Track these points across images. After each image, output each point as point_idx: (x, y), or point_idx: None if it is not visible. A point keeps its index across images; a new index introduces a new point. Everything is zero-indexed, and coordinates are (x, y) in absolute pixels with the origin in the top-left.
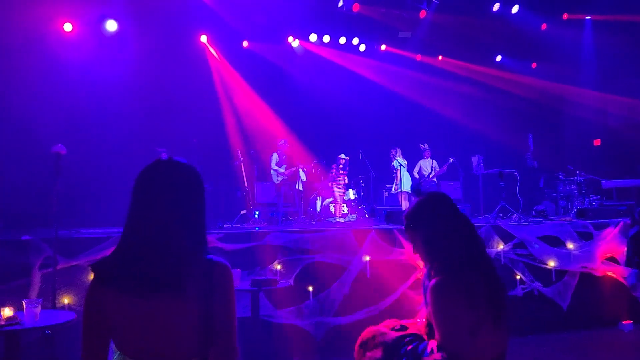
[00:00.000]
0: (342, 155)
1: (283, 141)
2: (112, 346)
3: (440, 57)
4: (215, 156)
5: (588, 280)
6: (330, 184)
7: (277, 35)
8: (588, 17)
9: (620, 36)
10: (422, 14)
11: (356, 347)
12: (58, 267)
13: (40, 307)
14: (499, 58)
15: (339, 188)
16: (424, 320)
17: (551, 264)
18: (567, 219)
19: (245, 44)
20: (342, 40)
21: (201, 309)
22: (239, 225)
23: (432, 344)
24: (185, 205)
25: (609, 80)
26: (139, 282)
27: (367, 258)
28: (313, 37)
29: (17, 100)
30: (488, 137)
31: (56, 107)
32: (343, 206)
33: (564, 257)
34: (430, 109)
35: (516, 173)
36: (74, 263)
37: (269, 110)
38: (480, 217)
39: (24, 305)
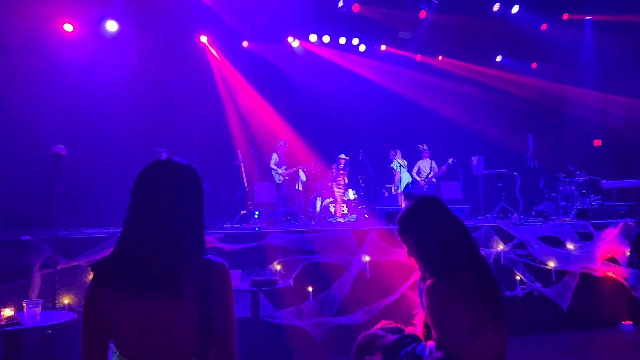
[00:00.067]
0: (342, 156)
1: (282, 142)
2: (112, 346)
3: (440, 57)
4: (215, 156)
5: (588, 281)
6: (330, 184)
7: (277, 36)
8: (588, 17)
9: (620, 36)
10: (422, 14)
11: (353, 352)
12: (58, 268)
13: (40, 307)
14: (499, 58)
15: (339, 188)
16: (421, 322)
17: (551, 264)
18: (567, 219)
19: (245, 44)
20: (342, 40)
21: (200, 309)
22: (238, 225)
23: (431, 344)
24: (184, 205)
25: (609, 80)
26: (138, 282)
27: (367, 258)
28: (313, 38)
29: (18, 101)
30: (488, 138)
31: (56, 107)
32: (343, 206)
33: (564, 257)
34: (430, 109)
35: (516, 173)
36: (74, 263)
37: (268, 111)
38: (480, 218)
39: (24, 306)
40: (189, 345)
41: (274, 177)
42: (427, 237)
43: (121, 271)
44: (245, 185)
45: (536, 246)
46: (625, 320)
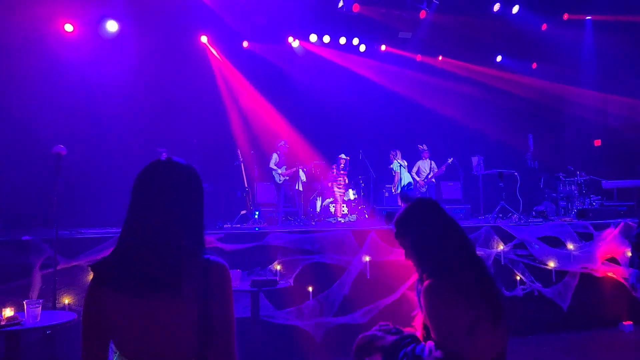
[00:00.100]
0: (343, 155)
1: (283, 142)
2: (113, 346)
3: (440, 58)
4: (216, 156)
5: (588, 281)
6: (330, 184)
7: (277, 36)
8: (588, 18)
9: (620, 36)
10: (422, 14)
11: (352, 353)
12: (58, 268)
13: (40, 307)
14: (499, 58)
15: (339, 188)
16: (420, 324)
17: (551, 264)
18: (567, 219)
19: (245, 44)
20: (342, 40)
21: (200, 309)
22: (239, 225)
23: (430, 345)
24: (184, 205)
25: (609, 80)
26: (138, 282)
27: (367, 258)
28: (313, 38)
29: (18, 101)
30: (488, 138)
31: (57, 108)
32: (343, 206)
33: (564, 257)
34: (431, 109)
35: (516, 173)
36: (75, 263)
37: (269, 111)
38: (481, 218)
39: (25, 306)
40: (188, 345)
41: (274, 177)
42: (423, 238)
43: (121, 271)
44: (246, 185)
45: (536, 246)
46: (625, 321)
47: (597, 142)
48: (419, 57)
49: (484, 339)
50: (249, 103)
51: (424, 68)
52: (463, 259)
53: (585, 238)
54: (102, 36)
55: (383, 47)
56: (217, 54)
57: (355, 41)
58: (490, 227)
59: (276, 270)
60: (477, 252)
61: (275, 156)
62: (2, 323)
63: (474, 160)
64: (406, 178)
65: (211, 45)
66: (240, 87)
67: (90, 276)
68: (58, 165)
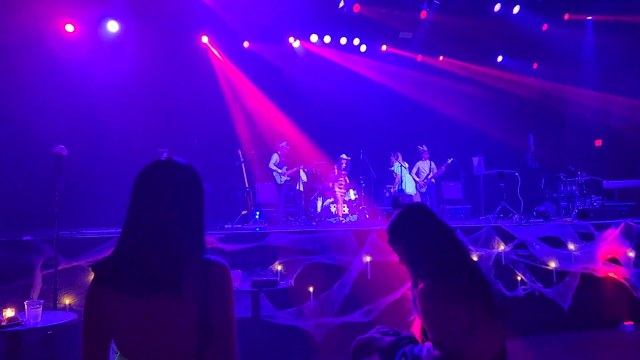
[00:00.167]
0: (344, 156)
1: (284, 143)
2: (114, 346)
3: (441, 58)
4: (216, 156)
5: (589, 281)
6: (331, 184)
7: (277, 36)
8: (589, 18)
9: (621, 36)
10: (423, 14)
11: (350, 354)
12: (59, 268)
13: (41, 307)
14: (500, 58)
15: (340, 188)
16: (418, 329)
17: (552, 264)
18: (568, 219)
19: (246, 44)
20: (343, 40)
21: (200, 309)
22: (239, 225)
23: (429, 345)
24: (184, 205)
25: (610, 80)
26: (138, 282)
27: (368, 259)
28: (314, 38)
29: (19, 101)
30: (489, 138)
31: (57, 108)
32: (344, 206)
33: (565, 258)
34: (431, 109)
35: (517, 174)
36: (75, 263)
37: (269, 111)
38: (481, 218)
39: (26, 306)
40: (189, 345)
41: (274, 178)
42: (416, 243)
43: (121, 271)
44: (246, 185)
45: (537, 246)
46: (626, 321)
47: (598, 142)
48: (419, 57)
49: (483, 338)
50: (250, 103)
51: (424, 68)
52: (456, 261)
53: (586, 238)
54: (102, 36)
55: (384, 47)
56: (219, 53)
57: (356, 41)
58: (491, 228)
59: (277, 270)
60: (479, 252)
61: (275, 156)
62: (3, 323)
63: (475, 160)
64: (408, 180)
65: (212, 46)
66: (241, 87)
67: (91, 276)
68: (59, 165)
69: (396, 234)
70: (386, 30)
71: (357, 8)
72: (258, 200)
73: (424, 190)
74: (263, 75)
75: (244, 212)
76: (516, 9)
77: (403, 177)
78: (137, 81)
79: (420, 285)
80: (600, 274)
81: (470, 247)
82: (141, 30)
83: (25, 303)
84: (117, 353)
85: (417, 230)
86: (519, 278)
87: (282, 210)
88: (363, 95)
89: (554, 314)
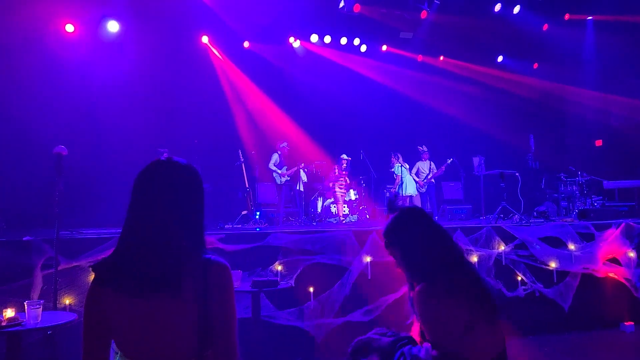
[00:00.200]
0: (344, 156)
1: (285, 144)
2: (114, 346)
3: (441, 58)
4: (216, 156)
5: (589, 282)
6: (331, 184)
7: (278, 36)
8: (590, 18)
9: (622, 36)
10: (424, 14)
11: (348, 355)
12: (59, 268)
13: (41, 308)
14: (500, 58)
15: (341, 188)
16: (417, 333)
17: (552, 265)
18: (569, 219)
19: (246, 44)
20: (344, 40)
21: (200, 309)
22: (240, 226)
23: (427, 345)
24: (184, 205)
25: (610, 80)
26: (138, 282)
27: (368, 259)
28: (314, 38)
29: (19, 101)
30: (489, 138)
31: (58, 108)
32: (344, 207)
33: (566, 258)
34: (432, 110)
35: (517, 174)
36: (76, 264)
37: (270, 111)
38: (482, 218)
39: (26, 306)
40: (189, 345)
41: (274, 178)
42: (412, 246)
43: (121, 271)
44: (247, 185)
45: (537, 247)
46: (627, 321)
47: (599, 143)
48: (420, 57)
49: (483, 338)
50: (250, 103)
51: (425, 68)
52: (451, 263)
53: (587, 238)
54: (102, 36)
55: (384, 47)
56: (219, 53)
57: (357, 41)
58: (492, 228)
59: (277, 270)
60: (479, 252)
61: (275, 156)
62: (3, 324)
63: (475, 160)
64: (408, 181)
65: (212, 46)
66: (241, 87)
67: (92, 276)
68: (59, 165)
69: (391, 238)
70: (386, 30)
71: (357, 8)
72: (258, 201)
73: (423, 190)
74: (263, 75)
75: (244, 212)
76: (516, 9)
77: (403, 178)
78: (137, 81)
79: (417, 288)
80: (600, 274)
81: (471, 247)
82: (141, 30)
83: (25, 303)
84: (117, 353)
85: (412, 233)
86: (519, 278)
87: (283, 210)
88: (363, 96)
89: (555, 314)
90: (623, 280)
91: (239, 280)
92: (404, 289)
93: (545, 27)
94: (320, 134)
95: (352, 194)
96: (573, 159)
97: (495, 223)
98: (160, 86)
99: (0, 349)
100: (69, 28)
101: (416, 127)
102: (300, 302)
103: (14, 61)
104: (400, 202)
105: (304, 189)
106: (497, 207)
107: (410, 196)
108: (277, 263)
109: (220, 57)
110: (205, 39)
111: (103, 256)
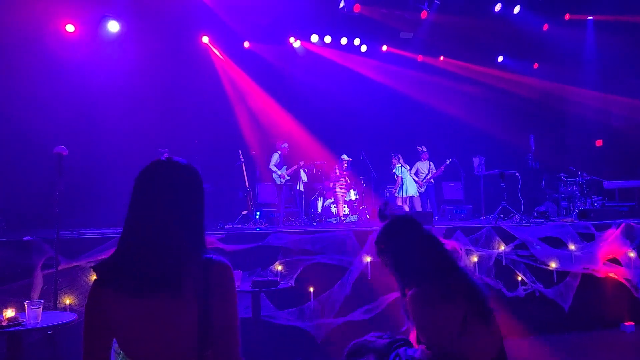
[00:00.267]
0: (345, 156)
1: (285, 144)
2: (115, 346)
3: (441, 58)
4: (217, 156)
5: (590, 282)
6: (332, 184)
7: (278, 36)
8: (590, 18)
9: (622, 37)
10: (424, 14)
11: (344, 357)
12: (60, 268)
13: (42, 307)
14: (500, 58)
15: (342, 188)
16: (414, 339)
17: (553, 265)
18: (569, 220)
19: (246, 44)
20: (344, 40)
21: (200, 309)
22: (240, 226)
23: (423, 347)
24: (185, 205)
25: (611, 80)
26: (139, 282)
27: (369, 259)
28: (314, 38)
29: (19, 101)
30: (489, 138)
31: (58, 108)
32: (344, 207)
33: (566, 258)
34: (432, 110)
35: (517, 174)
36: (76, 264)
37: (270, 111)
38: (482, 218)
39: (26, 306)
40: (189, 345)
41: (274, 178)
42: (403, 252)
43: (122, 271)
44: (247, 185)
45: (538, 247)
46: (627, 321)
47: (599, 143)
48: (420, 58)
49: (479, 338)
50: (251, 103)
51: (425, 68)
52: (443, 268)
53: (587, 239)
54: (103, 36)
55: (384, 48)
56: (219, 53)
57: (357, 41)
58: (492, 228)
59: (277, 270)
60: (479, 253)
61: (275, 156)
62: (4, 324)
63: (475, 160)
64: (409, 182)
65: (213, 46)
66: (241, 87)
67: (92, 276)
68: (59, 165)
69: (384, 245)
70: (387, 31)
71: (357, 8)
72: (258, 201)
73: (422, 190)
74: (264, 75)
75: (244, 212)
76: (517, 9)
77: (404, 179)
78: (138, 81)
79: (410, 292)
80: (600, 274)
81: (471, 248)
82: (141, 30)
83: (25, 303)
84: (119, 353)
85: (403, 241)
86: (519, 278)
87: (283, 210)
88: (364, 95)
89: (555, 314)
90: (623, 281)
91: (239, 280)
92: None
93: (546, 27)
94: (320, 134)
95: (353, 194)
96: (573, 159)
97: (496, 223)
98: (160, 86)
99: (0, 348)
100: (69, 28)
101: (416, 127)
102: (301, 302)
103: (14, 61)
104: (389, 211)
105: (304, 189)
106: (497, 207)
107: (411, 197)
108: (277, 263)
109: (220, 57)
110: (205, 39)
111: (103, 256)
